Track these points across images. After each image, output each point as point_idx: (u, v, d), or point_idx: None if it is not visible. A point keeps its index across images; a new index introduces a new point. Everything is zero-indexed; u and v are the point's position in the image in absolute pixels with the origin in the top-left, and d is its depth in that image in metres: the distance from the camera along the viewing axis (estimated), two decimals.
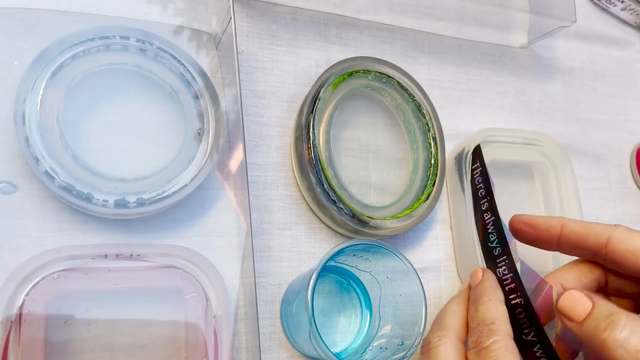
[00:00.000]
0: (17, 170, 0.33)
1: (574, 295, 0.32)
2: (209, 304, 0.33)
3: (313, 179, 0.37)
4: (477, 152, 0.41)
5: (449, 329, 0.33)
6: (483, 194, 0.40)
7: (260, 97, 0.40)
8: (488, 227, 0.39)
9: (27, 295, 0.30)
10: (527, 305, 0.36)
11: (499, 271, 0.38)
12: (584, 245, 0.36)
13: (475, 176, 0.41)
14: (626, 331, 0.28)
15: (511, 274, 0.37)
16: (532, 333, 0.36)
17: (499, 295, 0.35)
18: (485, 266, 0.40)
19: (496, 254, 0.38)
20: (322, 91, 0.38)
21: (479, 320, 0.33)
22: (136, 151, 0.35)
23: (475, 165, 0.41)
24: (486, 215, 0.40)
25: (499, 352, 0.31)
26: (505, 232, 0.38)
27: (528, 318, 0.36)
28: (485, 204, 0.40)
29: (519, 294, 0.37)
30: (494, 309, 0.33)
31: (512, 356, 0.31)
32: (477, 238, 0.41)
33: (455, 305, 0.36)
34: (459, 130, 0.47)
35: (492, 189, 0.40)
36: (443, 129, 0.44)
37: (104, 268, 0.32)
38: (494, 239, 0.39)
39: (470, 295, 0.36)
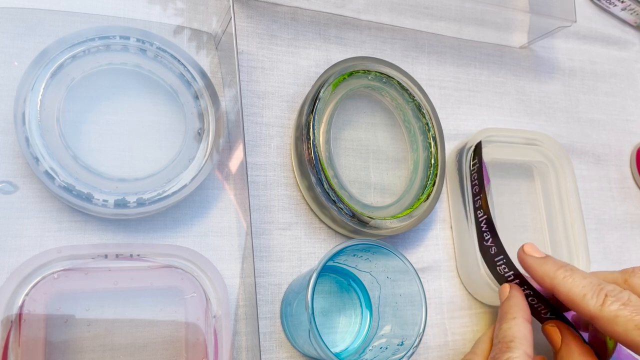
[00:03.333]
0: (17, 170, 0.33)
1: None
2: (209, 304, 0.33)
3: (313, 179, 0.37)
4: (477, 149, 0.42)
5: (475, 353, 0.35)
6: (477, 190, 0.40)
7: (260, 97, 0.40)
8: (482, 225, 0.40)
9: (27, 295, 0.30)
10: (536, 293, 0.37)
11: (499, 269, 0.38)
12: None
13: (472, 173, 0.41)
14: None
15: (512, 272, 0.37)
16: (549, 313, 0.37)
17: (524, 313, 0.35)
18: (485, 265, 0.40)
19: (492, 252, 0.39)
20: (322, 91, 0.38)
21: (500, 337, 0.33)
22: (136, 151, 0.35)
23: (474, 161, 0.41)
24: (479, 213, 0.40)
25: None
26: (499, 231, 0.39)
27: (542, 303, 0.37)
28: (478, 201, 0.40)
29: (525, 287, 0.37)
30: (516, 327, 0.33)
31: None
32: (477, 237, 0.41)
33: (490, 331, 0.37)
34: (459, 130, 0.47)
35: (486, 186, 0.40)
36: (443, 129, 0.44)
37: (104, 268, 0.32)
38: (488, 238, 0.39)
39: (498, 313, 0.36)
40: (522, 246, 0.37)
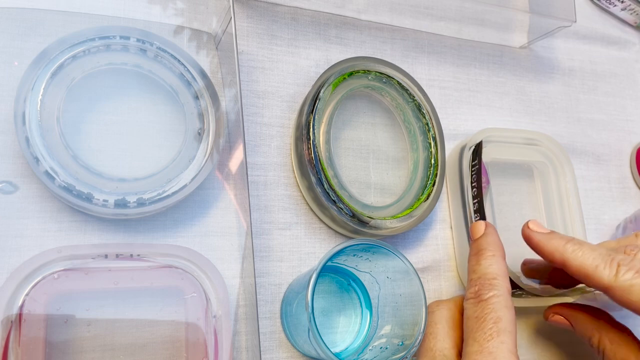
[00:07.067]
0: (17, 170, 0.33)
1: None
2: (209, 304, 0.33)
3: (313, 179, 0.37)
4: (477, 150, 0.42)
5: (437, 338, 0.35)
6: (475, 193, 0.40)
7: (260, 97, 0.40)
8: None
9: (27, 295, 0.30)
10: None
11: None
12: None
13: (472, 174, 0.41)
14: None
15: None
16: None
17: (502, 252, 0.35)
18: None
19: None
20: (322, 91, 0.38)
21: (480, 273, 0.34)
22: (136, 151, 0.35)
23: (474, 162, 0.41)
24: (476, 217, 0.40)
25: (497, 305, 0.32)
26: (499, 231, 0.39)
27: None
28: (476, 204, 0.40)
29: (519, 287, 0.38)
30: (497, 264, 0.34)
31: (508, 311, 0.31)
32: None
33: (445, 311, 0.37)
34: (459, 130, 0.47)
35: (484, 188, 0.40)
36: (443, 129, 0.44)
37: (104, 268, 0.32)
38: None
39: (472, 247, 0.36)
40: (527, 223, 0.36)
